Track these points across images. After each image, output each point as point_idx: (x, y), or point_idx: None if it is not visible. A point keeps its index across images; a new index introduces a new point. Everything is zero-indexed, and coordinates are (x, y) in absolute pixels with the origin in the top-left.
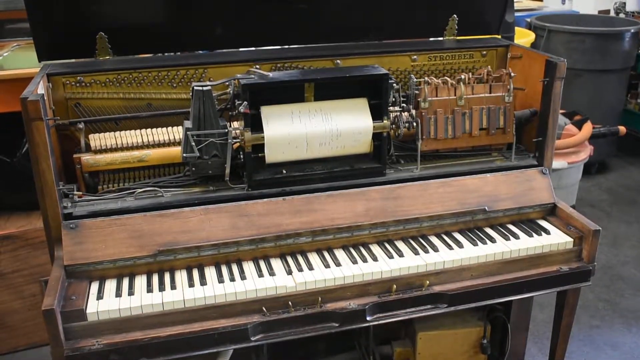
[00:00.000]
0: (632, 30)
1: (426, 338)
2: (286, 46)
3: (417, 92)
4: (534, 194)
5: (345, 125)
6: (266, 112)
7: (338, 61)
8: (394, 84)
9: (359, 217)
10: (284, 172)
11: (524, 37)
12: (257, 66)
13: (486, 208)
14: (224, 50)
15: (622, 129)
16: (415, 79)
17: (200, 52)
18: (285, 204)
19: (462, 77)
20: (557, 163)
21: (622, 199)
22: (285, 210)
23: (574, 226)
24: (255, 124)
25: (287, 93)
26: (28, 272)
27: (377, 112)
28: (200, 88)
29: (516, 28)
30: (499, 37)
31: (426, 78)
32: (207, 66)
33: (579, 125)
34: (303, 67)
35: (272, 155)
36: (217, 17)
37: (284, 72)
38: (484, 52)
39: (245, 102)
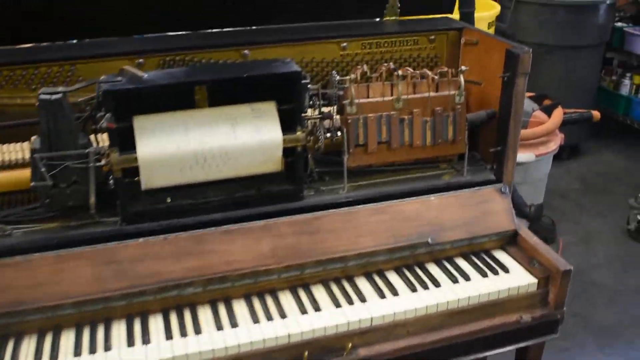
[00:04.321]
0: (608, 2)
1: None
2: (183, 32)
3: (341, 92)
4: (490, 219)
5: (247, 138)
6: (140, 124)
7: (246, 52)
8: (309, 85)
9: (264, 260)
10: (169, 200)
11: (487, 10)
12: (141, 60)
13: (429, 240)
14: (99, 40)
15: (595, 114)
16: (337, 76)
17: (71, 42)
18: (167, 244)
19: (400, 72)
20: (523, 155)
21: (595, 187)
22: (166, 253)
23: (538, 262)
24: (127, 140)
25: (172, 98)
26: None
27: (289, 121)
28: (48, 97)
29: None
30: (452, 17)
31: (351, 75)
32: (75, 61)
33: (549, 111)
34: (201, 60)
35: (150, 180)
36: None
37: (165, 71)
38: (432, 37)
39: (109, 115)
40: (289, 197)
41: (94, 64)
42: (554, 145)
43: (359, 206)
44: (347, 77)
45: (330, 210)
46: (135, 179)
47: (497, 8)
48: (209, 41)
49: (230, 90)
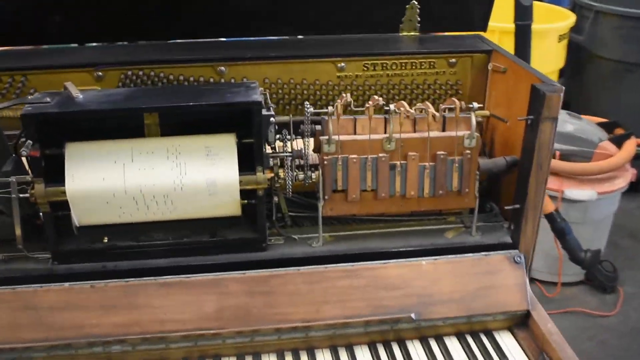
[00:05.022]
0: None
1: None
2: (154, 42)
3: (318, 127)
4: (496, 295)
5: (195, 178)
6: (73, 152)
7: (222, 68)
8: (272, 118)
9: (206, 322)
10: (106, 240)
11: (559, 20)
12: (100, 73)
13: (413, 316)
14: (56, 47)
15: None
16: (310, 108)
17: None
18: (94, 293)
19: (392, 107)
20: (583, 193)
21: None
22: (92, 304)
23: (550, 357)
24: (56, 170)
25: (115, 124)
26: None
27: (249, 158)
28: None
29: (554, 7)
30: (484, 35)
31: (329, 108)
32: (26, 72)
33: (619, 141)
34: (168, 76)
35: (83, 216)
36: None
37: (106, 91)
38: (452, 60)
39: (30, 142)
40: (249, 247)
41: (49, 74)
42: (622, 182)
43: (331, 266)
44: (326, 110)
45: (291, 268)
46: (69, 212)
47: (572, 18)
48: (180, 55)
49: (182, 119)
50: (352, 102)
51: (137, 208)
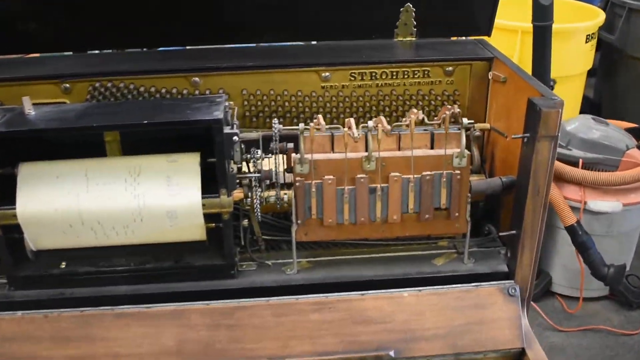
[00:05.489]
0: None
1: None
2: (133, 50)
3: (290, 145)
4: (487, 330)
5: (154, 201)
6: (26, 174)
7: (196, 79)
8: (235, 137)
9: (164, 357)
10: (64, 265)
11: (587, 18)
12: (67, 85)
13: (392, 353)
14: (28, 58)
15: None
16: (278, 126)
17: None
18: (47, 323)
19: (370, 123)
20: (607, 204)
21: None
22: (45, 334)
23: None
24: (8, 190)
25: (75, 141)
26: None
27: (213, 180)
28: None
29: (582, 5)
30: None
31: (302, 125)
32: None
33: None
34: (139, 88)
35: (37, 241)
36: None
37: (61, 107)
38: (449, 68)
39: None
40: (217, 274)
41: (14, 87)
42: None
43: (302, 297)
44: (298, 128)
45: (259, 299)
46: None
47: (601, 16)
48: (152, 65)
49: (144, 136)
50: (325, 126)
51: (95, 237)
